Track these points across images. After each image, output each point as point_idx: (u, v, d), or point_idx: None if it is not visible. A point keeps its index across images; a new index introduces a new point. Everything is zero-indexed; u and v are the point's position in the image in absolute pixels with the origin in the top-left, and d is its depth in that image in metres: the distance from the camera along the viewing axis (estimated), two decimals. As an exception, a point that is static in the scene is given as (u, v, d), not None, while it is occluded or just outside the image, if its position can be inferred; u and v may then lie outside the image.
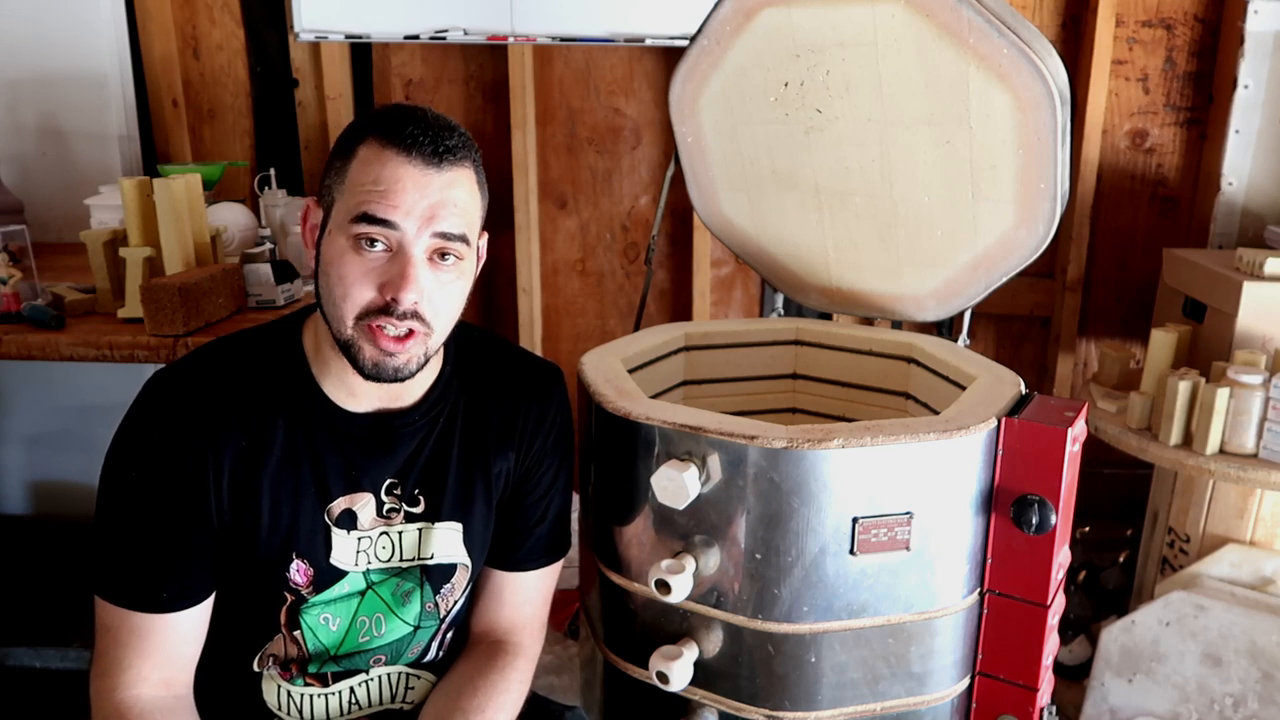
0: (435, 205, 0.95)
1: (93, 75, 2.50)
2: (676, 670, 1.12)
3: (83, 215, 2.22)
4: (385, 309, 0.95)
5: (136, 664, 0.99)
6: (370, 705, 1.14)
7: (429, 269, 0.96)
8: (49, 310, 1.69)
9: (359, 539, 1.07)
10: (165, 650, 1.00)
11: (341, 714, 1.12)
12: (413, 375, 1.00)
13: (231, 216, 2.16)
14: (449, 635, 1.18)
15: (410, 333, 0.97)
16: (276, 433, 1.02)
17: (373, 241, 0.95)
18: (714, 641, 1.15)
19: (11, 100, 2.52)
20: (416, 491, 1.09)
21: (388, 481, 1.08)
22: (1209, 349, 1.96)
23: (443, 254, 0.97)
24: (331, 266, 0.97)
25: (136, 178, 1.72)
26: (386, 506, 1.08)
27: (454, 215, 0.97)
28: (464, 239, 0.98)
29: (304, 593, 1.05)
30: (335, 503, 1.05)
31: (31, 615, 2.35)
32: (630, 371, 1.34)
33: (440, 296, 0.98)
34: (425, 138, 0.95)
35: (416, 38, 2.45)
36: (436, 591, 1.13)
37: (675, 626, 1.18)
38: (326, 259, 0.98)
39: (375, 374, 0.97)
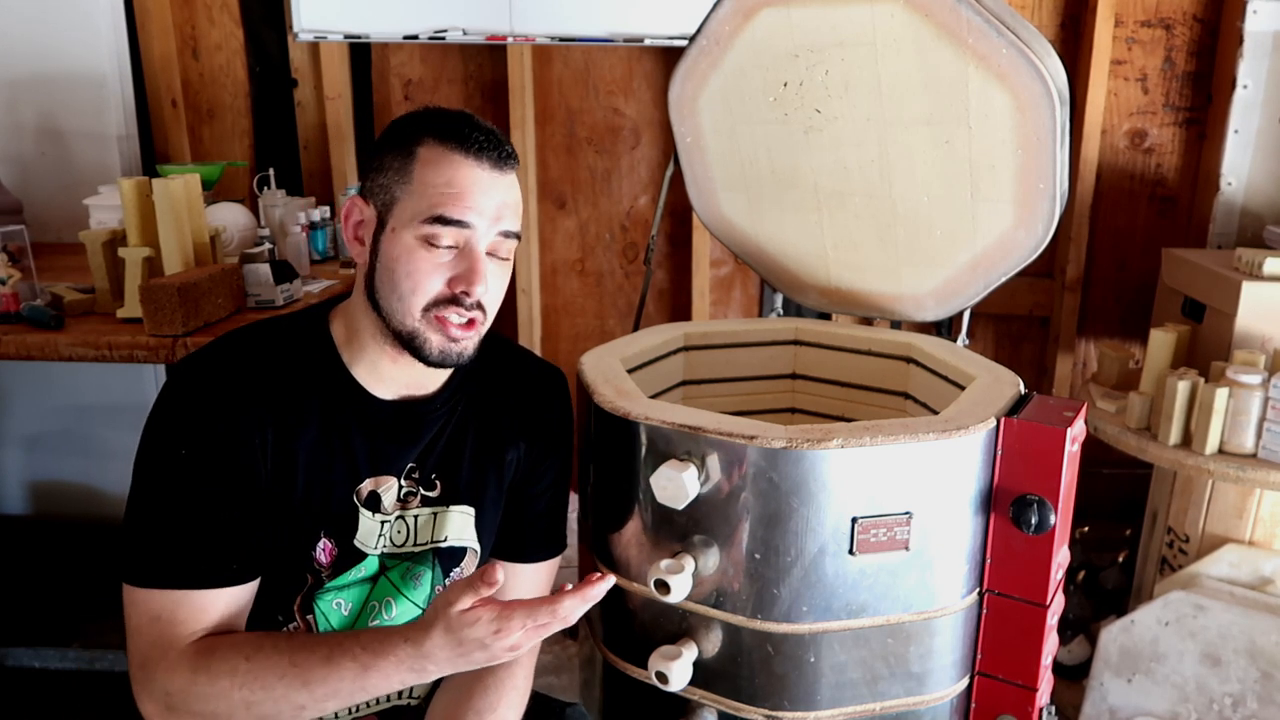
0: (501, 206, 1.02)
1: (92, 75, 2.50)
2: (676, 670, 1.12)
3: (82, 215, 2.22)
4: (453, 300, 1.01)
5: (198, 634, 0.98)
6: (377, 701, 1.15)
7: (488, 262, 1.03)
8: (48, 310, 1.69)
9: (381, 522, 1.09)
10: (227, 622, 1.00)
11: (350, 712, 1.13)
12: (472, 359, 1.06)
13: (230, 216, 2.16)
14: None
15: (471, 321, 1.03)
16: (312, 413, 1.04)
17: (440, 239, 1.00)
18: (713, 641, 1.15)
19: (11, 100, 2.52)
20: (433, 476, 1.12)
21: (408, 465, 1.11)
22: (1208, 349, 1.96)
23: (497, 250, 1.04)
24: (399, 263, 1.01)
25: (135, 178, 1.72)
26: (404, 490, 1.11)
27: (514, 215, 1.05)
28: (519, 236, 1.07)
29: (324, 575, 1.07)
30: (364, 484, 1.08)
31: (31, 615, 2.35)
32: (629, 371, 1.34)
33: (495, 287, 1.05)
34: (490, 143, 1.02)
35: (416, 38, 2.45)
36: (446, 575, 1.15)
37: (674, 626, 1.18)
38: (391, 256, 1.02)
39: (441, 360, 1.03)
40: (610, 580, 0.95)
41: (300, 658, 0.95)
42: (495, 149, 1.01)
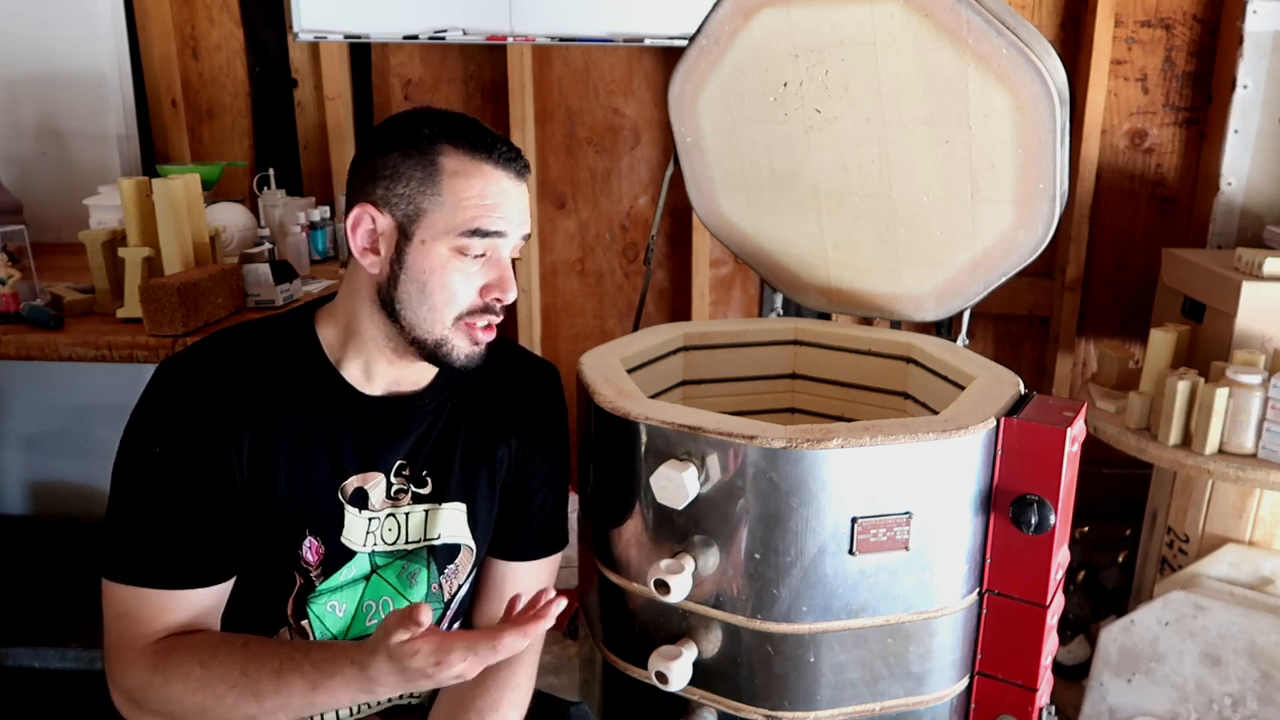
0: (523, 211, 1.07)
1: (92, 75, 2.50)
2: (675, 670, 1.12)
3: (82, 215, 2.22)
4: (485, 308, 1.05)
5: (160, 633, 0.99)
6: (379, 703, 1.15)
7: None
8: (48, 310, 1.69)
9: (369, 519, 1.09)
10: (192, 623, 1.01)
11: (351, 714, 1.14)
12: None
13: (230, 216, 2.16)
14: (454, 626, 1.20)
15: (494, 324, 1.08)
16: (293, 410, 1.05)
17: (474, 250, 1.03)
18: (713, 641, 1.15)
19: (11, 100, 2.52)
20: (424, 473, 1.13)
21: (397, 463, 1.11)
22: (1208, 349, 1.96)
23: (515, 251, 1.08)
24: (433, 275, 1.02)
25: (135, 178, 1.72)
26: (395, 488, 1.11)
27: (529, 220, 1.09)
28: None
29: (313, 575, 1.07)
30: (349, 481, 1.08)
31: (31, 615, 2.35)
32: (629, 371, 1.34)
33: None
34: (511, 153, 1.05)
35: (415, 38, 2.45)
36: (441, 572, 1.15)
37: (674, 626, 1.18)
38: (423, 268, 1.02)
39: (466, 364, 1.07)
40: (558, 606, 0.92)
41: (252, 669, 0.95)
42: (516, 159, 1.05)
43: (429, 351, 1.05)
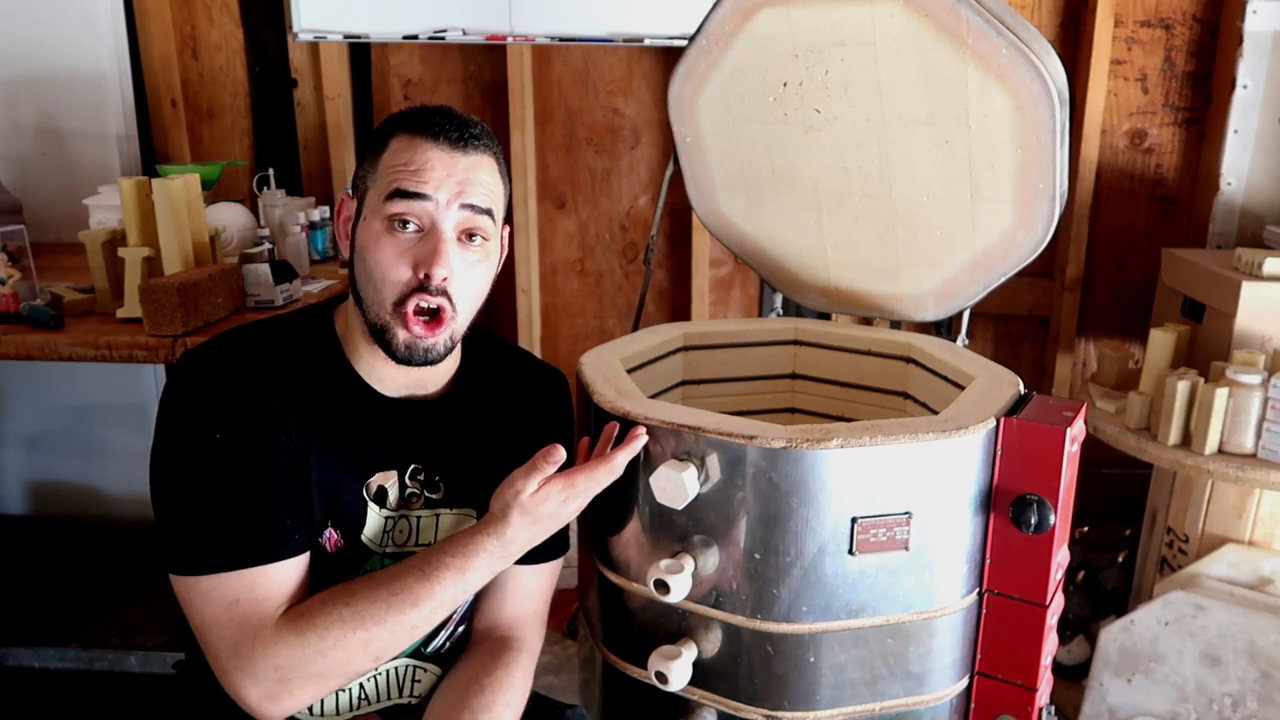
0: (462, 182, 1.02)
1: (91, 75, 2.50)
2: (675, 670, 1.12)
3: (81, 215, 2.22)
4: (420, 287, 1.01)
5: (284, 605, 0.98)
6: (379, 699, 1.15)
7: (458, 248, 1.02)
8: (48, 310, 1.69)
9: (385, 518, 1.10)
10: (299, 592, 1.00)
11: (351, 709, 1.14)
12: (442, 358, 1.06)
13: (230, 216, 2.16)
14: (458, 628, 1.20)
15: (439, 313, 1.02)
16: (324, 405, 1.05)
17: (405, 223, 1.01)
18: (713, 641, 1.15)
19: (10, 100, 2.52)
20: (437, 478, 1.14)
21: (412, 466, 1.12)
22: (1208, 349, 1.96)
23: (470, 234, 1.04)
24: (368, 250, 1.02)
25: (135, 178, 1.72)
26: (408, 491, 1.12)
27: (480, 191, 1.04)
28: (490, 213, 1.05)
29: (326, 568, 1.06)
30: (373, 479, 1.09)
31: (31, 615, 2.35)
32: (629, 371, 1.34)
33: (467, 277, 1.04)
34: (450, 124, 1.03)
35: (415, 38, 2.45)
36: None
37: (674, 626, 1.18)
38: (363, 244, 1.03)
39: (407, 357, 1.03)
40: (643, 433, 1.09)
41: (397, 585, 0.99)
42: (456, 130, 1.02)
43: (378, 338, 1.03)
